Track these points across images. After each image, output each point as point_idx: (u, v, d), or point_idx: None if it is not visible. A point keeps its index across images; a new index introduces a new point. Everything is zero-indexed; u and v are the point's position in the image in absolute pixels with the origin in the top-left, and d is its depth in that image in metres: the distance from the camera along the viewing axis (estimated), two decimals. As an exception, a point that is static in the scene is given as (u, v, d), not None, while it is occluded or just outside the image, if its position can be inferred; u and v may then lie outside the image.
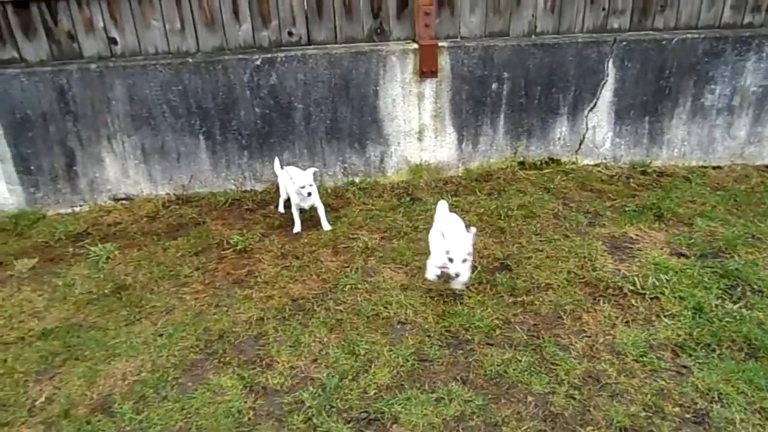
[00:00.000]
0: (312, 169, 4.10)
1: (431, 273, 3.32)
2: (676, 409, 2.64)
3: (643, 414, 2.59)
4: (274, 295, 3.55)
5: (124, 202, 4.70)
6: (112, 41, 4.51)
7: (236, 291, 3.61)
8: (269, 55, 4.54)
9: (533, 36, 4.86)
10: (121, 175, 4.68)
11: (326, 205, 4.40)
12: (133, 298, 3.60)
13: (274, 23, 4.62)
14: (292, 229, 4.24)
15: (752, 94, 5.07)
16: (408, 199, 4.68)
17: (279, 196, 4.50)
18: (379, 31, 4.74)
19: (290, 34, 4.66)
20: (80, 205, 4.68)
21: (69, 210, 4.66)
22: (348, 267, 3.78)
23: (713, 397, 2.70)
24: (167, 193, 4.75)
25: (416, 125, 4.85)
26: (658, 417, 2.58)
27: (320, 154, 4.82)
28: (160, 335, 3.26)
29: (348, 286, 3.58)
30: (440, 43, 4.61)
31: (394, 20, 4.72)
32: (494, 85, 4.80)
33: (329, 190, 4.80)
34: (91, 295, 3.65)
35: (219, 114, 4.61)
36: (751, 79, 5.02)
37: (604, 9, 4.88)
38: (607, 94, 4.96)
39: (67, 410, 2.80)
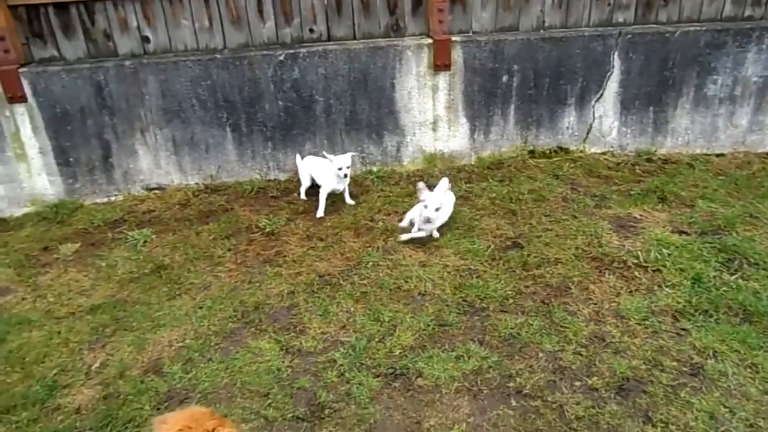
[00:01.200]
0: (350, 153, 4.49)
1: (405, 221, 4.05)
2: (674, 363, 2.95)
3: (644, 367, 2.91)
4: (302, 271, 3.89)
5: (156, 191, 5.06)
6: (145, 39, 4.88)
7: (267, 269, 3.95)
8: (292, 51, 4.89)
9: (542, 30, 5.18)
10: (154, 165, 5.04)
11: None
12: (172, 276, 3.96)
13: (296, 21, 4.98)
14: (315, 213, 4.58)
15: (753, 84, 5.35)
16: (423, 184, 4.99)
17: (300, 184, 4.84)
18: (395, 27, 5.08)
19: (311, 30, 5.01)
20: (115, 195, 5.05)
21: (105, 199, 5.03)
22: (370, 247, 4.12)
23: (708, 354, 3.01)
24: (196, 183, 5.11)
25: (431, 116, 5.19)
26: (657, 369, 2.90)
27: (340, 145, 5.16)
28: (200, 308, 3.61)
29: (371, 263, 3.91)
30: (453, 38, 4.94)
31: (409, 16, 5.06)
32: (505, 78, 5.12)
33: (351, 179, 5.13)
34: (132, 275, 4.01)
35: (245, 107, 4.97)
36: (752, 70, 5.30)
37: (609, 4, 5.19)
38: (612, 85, 5.27)
39: (122, 372, 3.14)
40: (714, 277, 3.62)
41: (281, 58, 4.87)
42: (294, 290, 3.70)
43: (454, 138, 5.30)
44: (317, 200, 4.59)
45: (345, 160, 4.40)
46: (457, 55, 4.99)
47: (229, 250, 4.22)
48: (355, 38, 5.05)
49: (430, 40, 4.95)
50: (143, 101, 4.84)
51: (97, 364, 3.24)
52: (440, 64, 4.96)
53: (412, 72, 5.02)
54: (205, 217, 4.68)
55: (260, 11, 4.89)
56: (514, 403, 2.75)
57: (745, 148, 5.56)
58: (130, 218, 4.74)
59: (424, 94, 5.10)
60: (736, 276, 3.64)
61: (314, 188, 4.70)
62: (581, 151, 5.45)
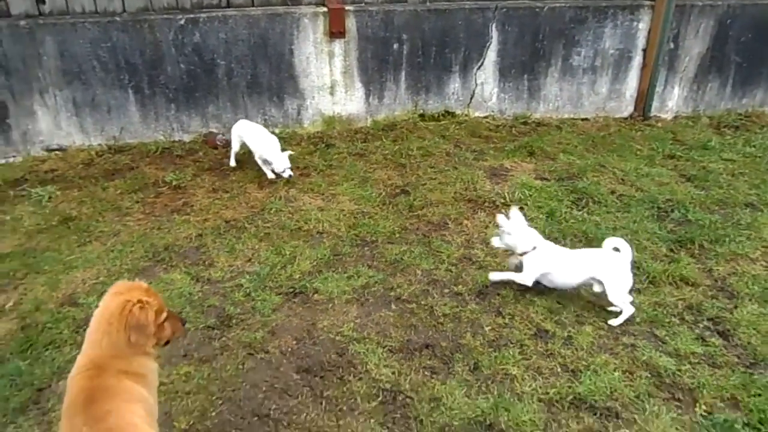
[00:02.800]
0: (288, 152, 4.78)
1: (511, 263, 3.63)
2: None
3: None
4: (209, 218, 4.31)
5: (57, 152, 5.23)
6: (41, 1, 5.01)
7: (175, 217, 4.33)
8: (192, 16, 5.22)
9: (428, 2, 5.83)
10: (54, 127, 5.20)
11: (247, 152, 5.19)
12: (80, 226, 4.23)
13: (196, -14, 5.30)
14: (221, 170, 4.98)
15: (611, 56, 6.31)
16: (323, 145, 5.53)
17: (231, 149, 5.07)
18: (292, -5, 5.54)
19: (211, -4, 5.36)
20: (14, 156, 5.17)
21: (3, 161, 5.14)
22: (273, 196, 4.60)
23: (553, 267, 3.77)
24: (99, 144, 5.33)
25: (328, 81, 5.70)
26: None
27: (243, 107, 5.57)
28: (111, 251, 3.95)
29: (273, 209, 4.40)
30: (347, 7, 5.47)
31: (305, -14, 5.53)
32: (395, 46, 5.73)
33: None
34: (40, 226, 4.24)
35: (147, 70, 5.24)
36: (609, 43, 6.25)
37: (487, -19, 5.94)
38: (492, 55, 6.03)
39: (37, 306, 3.44)
40: (565, 212, 4.44)
41: (182, 22, 5.19)
42: (202, 233, 4.11)
43: (350, 102, 5.85)
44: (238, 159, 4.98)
45: (285, 161, 4.69)
46: (351, 23, 5.53)
47: (137, 202, 4.54)
48: (253, 5, 5.45)
49: (325, 9, 5.44)
50: (41, 62, 4.99)
51: (10, 304, 3.50)
52: (335, 31, 5.47)
53: (309, 39, 5.50)
54: (110, 175, 4.94)
55: (160, -24, 5.16)
56: (394, 306, 3.38)
57: (605, 113, 6.53)
58: (32, 177, 4.90)
59: (321, 59, 5.61)
60: (582, 211, 4.48)
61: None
62: (466, 115, 6.19)
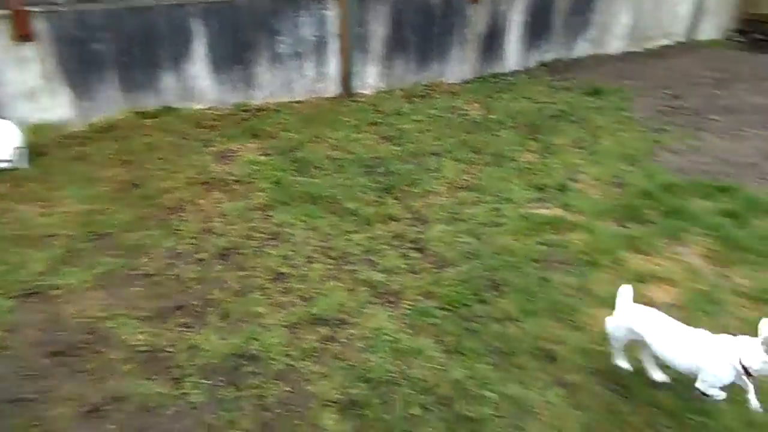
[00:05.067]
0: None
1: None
2: (261, 234, 4.27)
3: (240, 240, 4.15)
4: None
5: None
6: None
7: None
8: None
9: (123, 1, 5.97)
10: None
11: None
12: None
13: None
14: None
15: (311, 43, 7.20)
16: (33, 154, 5.34)
17: None
18: (-36, -2, 5.20)
19: None
20: None
21: None
22: (-17, 212, 4.39)
23: (285, 225, 4.41)
24: None
25: (27, 87, 5.50)
26: (249, 239, 4.18)
27: (-77, 125, 5.06)
28: None
29: (-14, 225, 4.22)
30: (33, 9, 5.34)
31: (-21, -13, 5.24)
32: (97, 46, 5.77)
33: None
34: None
35: None
36: (308, 31, 7.13)
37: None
38: (200, 49, 6.43)
39: None
40: (290, 180, 5.13)
41: None
42: None
43: (59, 107, 5.73)
44: None
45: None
46: (41, 25, 5.41)
47: None
48: None
49: (7, 11, 5.24)
50: None
51: None
52: (22, 34, 5.30)
53: (-3, 44, 5.24)
54: None
55: None
56: (141, 282, 3.65)
57: (316, 95, 7.44)
58: None
59: (15, 66, 5.38)
60: (305, 177, 5.22)
61: None
62: (187, 108, 6.50)
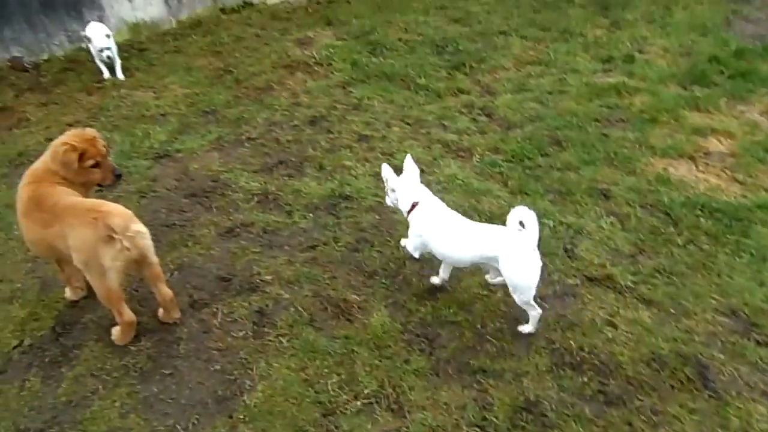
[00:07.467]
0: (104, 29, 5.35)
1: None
2: (344, 106, 4.92)
3: (325, 110, 4.81)
4: (51, 125, 4.85)
5: None
6: None
7: (15, 131, 4.83)
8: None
9: None
10: None
11: (65, 69, 5.68)
12: None
13: None
14: (41, 87, 5.43)
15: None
16: (135, 50, 6.12)
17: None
18: None
19: None
20: None
21: None
22: (105, 98, 5.22)
23: (365, 98, 5.02)
24: None
25: (124, -13, 6.21)
26: (333, 109, 4.83)
27: (41, 26, 5.90)
28: (-35, 170, 4.41)
29: (111, 107, 5.06)
30: None
31: None
32: (181, -56, 6.35)
33: (62, 58, 5.98)
34: None
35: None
36: None
37: None
38: (273, -58, 6.89)
39: None
40: (365, 61, 5.68)
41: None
42: (50, 137, 4.66)
43: (150, 6, 6.43)
44: (55, 77, 5.49)
45: (101, 39, 5.27)
46: (132, -74, 6.02)
47: (-29, 125, 4.90)
48: None
49: None
50: None
51: None
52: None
53: (94, -53, 5.92)
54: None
55: None
56: (247, 145, 4.41)
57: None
58: None
59: (111, -33, 6.07)
60: (378, 58, 5.76)
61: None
62: (263, 3, 7.09)
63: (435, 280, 3.13)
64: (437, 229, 2.84)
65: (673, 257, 3.32)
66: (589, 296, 3.09)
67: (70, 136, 2.92)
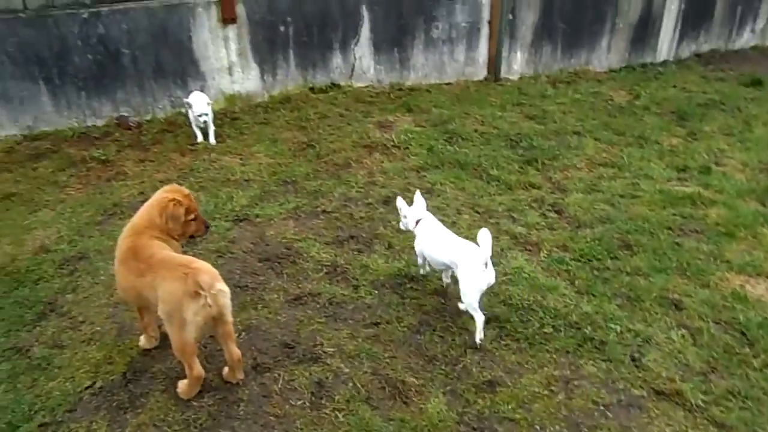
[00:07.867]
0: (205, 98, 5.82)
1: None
2: (418, 188, 5.06)
3: (398, 192, 4.97)
4: (144, 181, 5.22)
5: (-27, 144, 5.81)
6: (-57, 1, 5.60)
7: (113, 183, 5.20)
8: (94, 10, 6.03)
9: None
10: (-33, 120, 5.78)
11: (164, 130, 6.14)
12: (24, 199, 4.97)
13: (95, -17, 6.13)
14: (141, 145, 5.87)
15: (463, 29, 7.92)
16: (229, 119, 6.56)
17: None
18: (185, -12, 6.51)
19: (110, -9, 6.20)
20: (-71, 151, 5.67)
21: None
22: (197, 160, 5.59)
23: (436, 184, 5.18)
24: (14, 134, 5.97)
25: (226, 63, 6.74)
26: (406, 192, 4.98)
27: (150, 91, 6.45)
28: (63, 214, 4.76)
29: (201, 169, 5.40)
30: (237, -4, 6.56)
31: (196, -21, 6.54)
32: (282, 28, 6.90)
33: (162, 120, 6.47)
34: (-18, 205, 4.92)
35: (55, 62, 5.98)
36: (461, 17, 7.85)
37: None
38: (365, 32, 7.38)
39: (13, 258, 4.21)
40: (441, 148, 5.88)
41: (84, 16, 5.99)
42: (143, 191, 5.03)
43: (248, 80, 6.93)
44: (154, 137, 5.95)
45: (201, 106, 5.73)
46: (241, 10, 6.61)
47: (71, 176, 5.32)
48: (152, -2, 6.37)
49: (218, -2, 6.49)
50: (-51, 58, 5.57)
51: (-18, 264, 4.23)
52: (227, 18, 6.53)
53: (205, 26, 6.51)
54: (35, 158, 5.64)
55: (60, -26, 5.93)
56: (322, 217, 4.59)
57: (465, 77, 8.14)
58: (-46, 167, 5.48)
59: (217, 44, 6.64)
60: (454, 146, 5.95)
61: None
62: (349, 86, 7.50)
63: (446, 279, 3.79)
64: (428, 237, 3.61)
65: (749, 380, 3.17)
66: (656, 410, 2.97)
67: (169, 191, 3.14)
